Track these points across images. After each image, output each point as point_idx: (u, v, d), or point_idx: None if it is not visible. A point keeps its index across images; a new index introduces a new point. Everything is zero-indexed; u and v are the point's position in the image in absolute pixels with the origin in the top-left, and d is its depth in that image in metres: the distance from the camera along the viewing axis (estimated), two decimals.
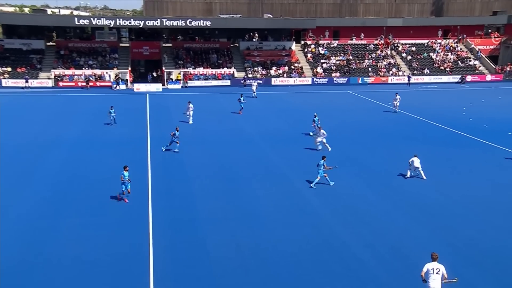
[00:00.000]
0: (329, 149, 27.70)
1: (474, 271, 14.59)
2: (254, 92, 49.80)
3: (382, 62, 66.02)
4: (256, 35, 68.66)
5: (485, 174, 24.14)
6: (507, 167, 25.36)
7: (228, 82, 59.37)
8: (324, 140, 28.13)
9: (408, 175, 23.21)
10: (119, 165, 21.33)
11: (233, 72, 61.19)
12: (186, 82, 57.87)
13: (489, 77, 64.58)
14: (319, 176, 21.89)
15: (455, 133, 33.45)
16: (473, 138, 31.85)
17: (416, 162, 22.92)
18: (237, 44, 67.68)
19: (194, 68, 61.04)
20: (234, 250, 15.92)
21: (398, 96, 41.90)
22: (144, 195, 20.69)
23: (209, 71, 60.84)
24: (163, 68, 59.61)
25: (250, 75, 61.11)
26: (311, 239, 16.86)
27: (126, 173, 19.75)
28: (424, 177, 22.93)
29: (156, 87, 55.29)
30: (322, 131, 28.13)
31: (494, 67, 66.94)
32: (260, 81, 59.83)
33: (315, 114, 32.43)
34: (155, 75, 59.86)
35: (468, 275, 14.31)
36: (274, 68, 62.83)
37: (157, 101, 47.20)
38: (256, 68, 62.54)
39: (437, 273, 12.10)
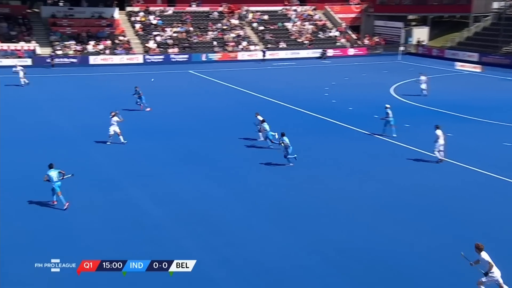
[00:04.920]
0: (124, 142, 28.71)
1: (345, 280, 15.79)
2: (22, 79, 45.15)
3: (229, 34, 67.85)
4: None
5: (350, 164, 26.20)
6: (375, 155, 27.88)
7: (28, 62, 55.86)
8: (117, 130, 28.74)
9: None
10: None
11: (35, 47, 57.88)
12: None
13: (352, 51, 70.19)
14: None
15: (316, 118, 35.77)
16: (337, 123, 34.36)
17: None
18: (37, 10, 64.09)
19: None
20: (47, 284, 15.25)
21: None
22: None
23: None
24: None
25: (59, 52, 58.40)
26: (152, 259, 16.72)
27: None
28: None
29: None
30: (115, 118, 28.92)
31: (356, 39, 72.96)
32: (74, 60, 57.63)
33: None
34: None
35: (340, 286, 15.48)
36: (92, 42, 60.85)
37: None
38: (67, 43, 59.93)
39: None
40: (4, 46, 56.87)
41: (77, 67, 56.22)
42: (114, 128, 28.65)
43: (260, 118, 29.27)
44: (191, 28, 67.45)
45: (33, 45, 58.14)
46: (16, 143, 28.60)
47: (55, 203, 20.33)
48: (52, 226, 18.98)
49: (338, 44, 71.22)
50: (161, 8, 69.66)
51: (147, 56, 61.16)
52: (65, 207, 19.99)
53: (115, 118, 28.83)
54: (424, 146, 28.61)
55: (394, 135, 30.51)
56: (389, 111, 30.74)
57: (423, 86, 42.69)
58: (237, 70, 56.77)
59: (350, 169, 25.60)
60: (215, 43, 66.10)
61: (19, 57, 55.73)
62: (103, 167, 25.47)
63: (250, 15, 72.08)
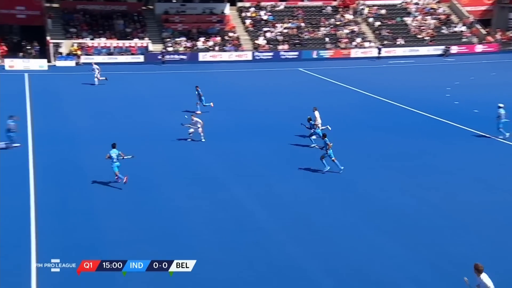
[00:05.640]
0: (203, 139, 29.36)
1: None
2: (97, 79, 45.26)
3: (343, 30, 67.25)
4: None
5: (474, 172, 25.18)
6: (502, 162, 26.56)
7: (140, 58, 58.41)
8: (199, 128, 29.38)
9: None
10: None
11: (147, 44, 60.31)
12: (79, 58, 56.27)
13: (479, 48, 67.28)
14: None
15: (436, 121, 34.66)
16: (459, 126, 33.10)
17: None
18: (151, 7, 66.81)
19: (93, 39, 59.65)
20: None
21: None
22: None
23: (114, 42, 59.64)
24: (48, 37, 57.85)
25: (170, 48, 60.44)
26: (255, 263, 16.91)
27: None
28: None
29: (40, 64, 53.87)
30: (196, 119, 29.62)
31: (486, 34, 69.61)
32: (184, 56, 59.43)
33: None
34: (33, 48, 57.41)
35: None
36: (202, 39, 62.52)
37: (42, 84, 45.86)
38: (178, 39, 61.92)
39: None
40: (120, 43, 59.79)
41: (187, 64, 57.84)
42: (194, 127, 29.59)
43: (316, 114, 29.68)
44: (302, 24, 67.51)
45: (146, 41, 60.60)
46: (125, 138, 29.76)
47: (122, 179, 22.51)
48: (150, 225, 19.63)
49: (464, 40, 68.56)
50: (273, 3, 70.15)
51: (256, 53, 61.86)
52: (121, 180, 22.45)
53: (195, 119, 29.53)
54: None
55: (506, 134, 29.71)
56: (502, 111, 29.50)
57: None
58: (349, 68, 56.22)
59: (472, 176, 24.64)
60: (327, 39, 65.76)
61: (132, 54, 58.40)
62: (206, 165, 25.99)
63: (366, 10, 71.04)
